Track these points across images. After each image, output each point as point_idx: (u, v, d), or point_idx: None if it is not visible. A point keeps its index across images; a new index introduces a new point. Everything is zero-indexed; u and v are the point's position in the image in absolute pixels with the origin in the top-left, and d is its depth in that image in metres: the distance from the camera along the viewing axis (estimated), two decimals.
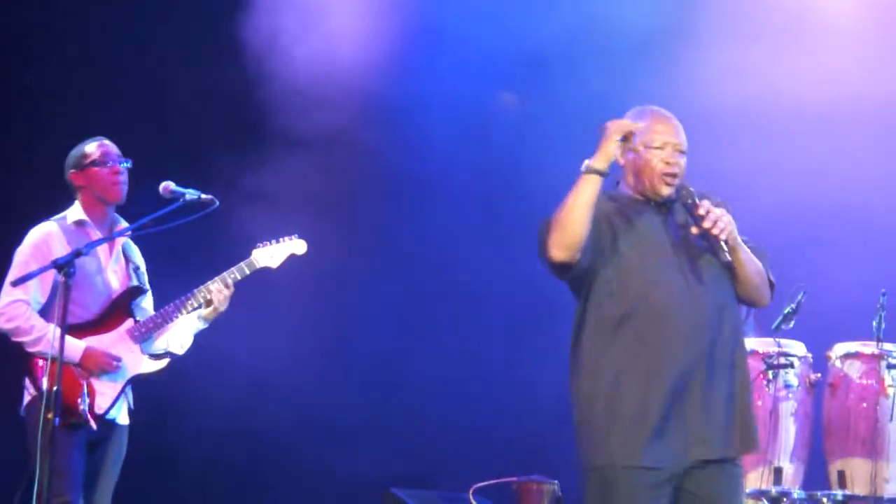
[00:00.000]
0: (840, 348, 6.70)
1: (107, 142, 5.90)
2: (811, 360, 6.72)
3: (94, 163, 5.82)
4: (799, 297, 6.58)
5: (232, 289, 5.82)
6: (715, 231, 4.49)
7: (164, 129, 8.36)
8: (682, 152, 4.63)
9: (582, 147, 4.63)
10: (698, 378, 4.45)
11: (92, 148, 5.86)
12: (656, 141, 4.61)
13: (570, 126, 8.04)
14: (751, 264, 4.60)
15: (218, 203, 5.66)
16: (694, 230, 4.54)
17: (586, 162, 4.49)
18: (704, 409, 4.44)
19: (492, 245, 8.57)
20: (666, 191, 4.60)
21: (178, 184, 5.71)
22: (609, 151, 4.51)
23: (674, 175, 4.59)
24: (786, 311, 6.61)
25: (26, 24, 8.49)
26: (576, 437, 4.61)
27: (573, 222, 4.43)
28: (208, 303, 5.79)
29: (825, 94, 7.74)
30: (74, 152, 5.89)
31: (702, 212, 4.51)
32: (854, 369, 6.63)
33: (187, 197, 5.66)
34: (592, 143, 4.58)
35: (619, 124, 4.55)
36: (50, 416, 5.18)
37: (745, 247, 4.59)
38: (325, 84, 8.35)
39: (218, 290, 5.78)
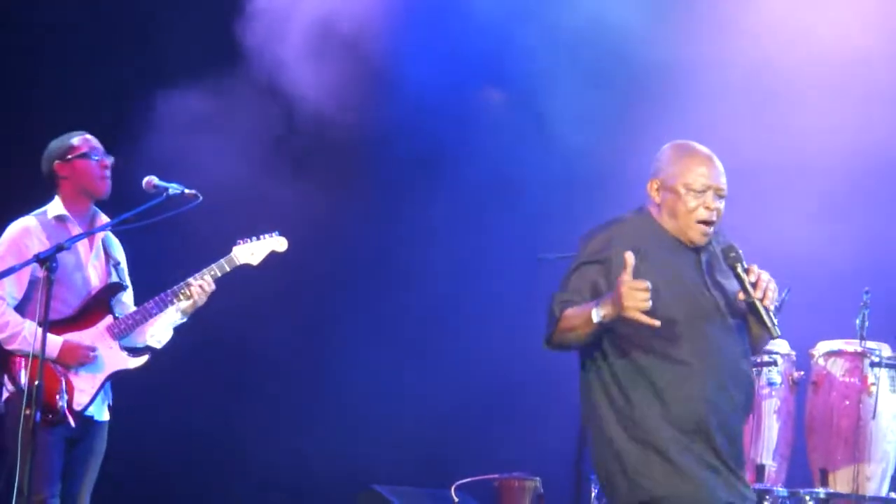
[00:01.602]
0: (823, 346, 6.70)
1: (90, 136, 5.86)
2: (794, 357, 6.73)
3: (82, 155, 5.78)
4: (783, 294, 6.56)
5: (212, 286, 5.78)
6: (766, 302, 4.42)
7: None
8: (722, 196, 4.50)
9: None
10: (718, 427, 4.43)
11: (78, 140, 5.82)
12: (697, 184, 4.45)
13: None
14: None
15: (201, 198, 5.63)
16: (741, 296, 4.44)
17: (598, 312, 4.28)
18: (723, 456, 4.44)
19: (478, 243, 8.57)
20: (702, 241, 4.49)
21: (160, 178, 5.67)
22: (616, 313, 4.26)
23: (712, 223, 4.47)
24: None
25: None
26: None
27: (569, 342, 4.42)
28: (187, 296, 5.75)
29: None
30: (58, 144, 5.83)
31: (753, 279, 4.43)
32: (837, 367, 6.64)
33: (170, 191, 5.61)
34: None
35: (633, 296, 4.24)
36: (29, 412, 5.15)
37: None
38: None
39: (198, 287, 5.75)
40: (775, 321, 4.43)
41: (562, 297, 4.44)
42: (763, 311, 4.41)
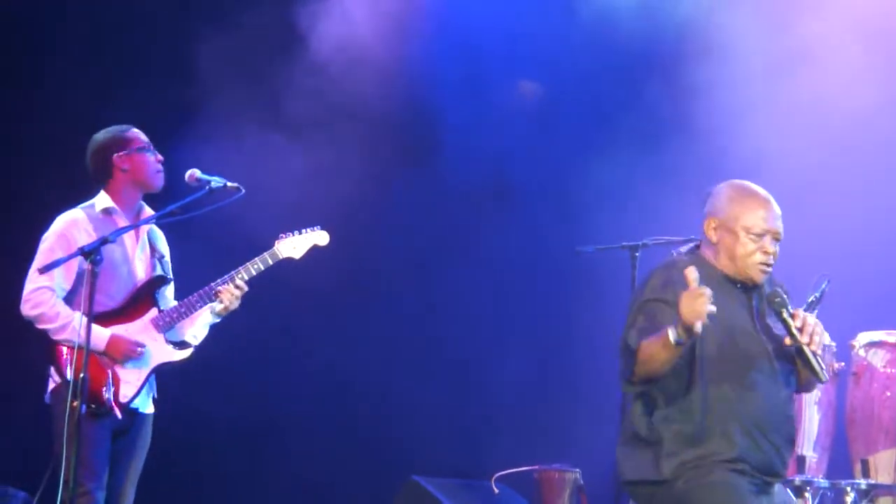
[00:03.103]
0: (864, 337, 6.68)
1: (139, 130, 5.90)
2: (835, 349, 6.69)
3: (142, 149, 5.80)
4: (823, 285, 6.55)
5: (245, 288, 5.79)
6: (813, 347, 4.44)
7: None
8: (778, 240, 4.55)
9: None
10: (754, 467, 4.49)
11: (134, 134, 5.84)
12: (757, 227, 4.50)
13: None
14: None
15: (244, 191, 5.66)
16: (787, 341, 4.47)
17: (674, 332, 4.29)
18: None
19: (515, 235, 8.59)
20: (761, 278, 4.52)
21: (203, 171, 5.71)
22: (689, 333, 4.29)
23: (770, 265, 4.52)
24: (809, 300, 6.59)
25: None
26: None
27: (654, 371, 4.38)
28: (220, 299, 5.76)
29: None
30: (113, 136, 5.82)
31: (799, 323, 4.45)
32: (878, 358, 6.62)
33: (213, 185, 5.64)
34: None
35: (691, 303, 4.28)
36: (75, 404, 5.19)
37: None
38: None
39: (234, 287, 5.75)
40: (823, 366, 4.46)
41: (632, 333, 4.46)
42: (811, 356, 4.44)
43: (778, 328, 4.53)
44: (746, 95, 7.85)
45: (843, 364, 6.69)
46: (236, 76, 8.33)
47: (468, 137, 8.56)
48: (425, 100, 8.60)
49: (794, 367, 4.57)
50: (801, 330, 4.43)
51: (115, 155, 5.78)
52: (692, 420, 4.42)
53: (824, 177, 7.59)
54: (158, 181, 5.82)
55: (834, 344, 6.70)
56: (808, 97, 7.70)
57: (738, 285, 4.54)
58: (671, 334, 4.27)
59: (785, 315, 4.45)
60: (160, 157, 5.84)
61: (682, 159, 7.88)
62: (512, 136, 8.64)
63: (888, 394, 6.56)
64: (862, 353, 6.65)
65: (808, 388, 4.74)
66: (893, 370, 6.56)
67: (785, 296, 4.50)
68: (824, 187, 7.62)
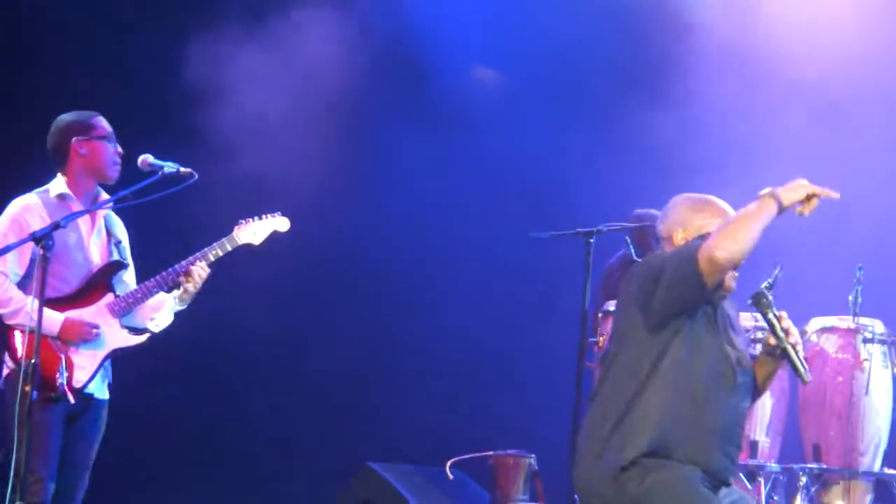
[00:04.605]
0: (816, 322, 6.74)
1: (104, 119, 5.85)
2: None
3: (102, 137, 5.76)
4: (775, 271, 6.58)
5: (206, 271, 5.76)
6: (798, 348, 4.50)
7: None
8: None
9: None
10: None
11: (100, 121, 5.79)
12: None
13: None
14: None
15: (197, 176, 5.62)
16: (771, 340, 4.52)
17: (774, 191, 4.38)
18: None
19: (475, 221, 8.59)
20: (733, 287, 4.56)
21: (156, 156, 5.67)
22: (797, 193, 4.41)
23: (739, 267, 4.54)
24: (762, 287, 6.63)
25: None
26: None
27: (746, 239, 4.33)
28: (179, 285, 5.73)
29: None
30: (78, 118, 5.78)
31: (785, 325, 4.51)
32: (830, 343, 6.68)
33: (166, 170, 5.59)
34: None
35: (810, 186, 4.44)
36: (27, 389, 5.15)
37: None
38: None
39: (196, 270, 5.72)
40: (806, 367, 4.52)
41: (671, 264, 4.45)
42: (795, 357, 4.48)
43: (741, 340, 4.58)
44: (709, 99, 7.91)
45: None
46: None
47: (425, 124, 8.56)
48: (383, 85, 8.60)
49: (753, 378, 4.62)
50: (787, 332, 4.47)
51: (75, 139, 5.74)
52: (651, 424, 4.42)
53: (775, 161, 7.64)
54: (114, 173, 5.78)
55: None
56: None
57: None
58: (786, 197, 4.37)
59: (771, 315, 4.50)
60: (120, 150, 5.79)
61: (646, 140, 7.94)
62: (469, 122, 8.65)
63: (840, 379, 6.61)
64: (814, 338, 6.70)
65: (760, 395, 4.78)
66: (845, 355, 6.62)
67: (770, 298, 4.53)
68: (774, 171, 7.67)
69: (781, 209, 4.38)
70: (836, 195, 4.44)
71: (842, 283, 6.72)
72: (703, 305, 4.45)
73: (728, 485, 4.55)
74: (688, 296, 4.40)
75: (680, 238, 4.61)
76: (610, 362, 4.57)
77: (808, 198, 4.42)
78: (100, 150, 5.75)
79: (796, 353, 4.49)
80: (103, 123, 5.80)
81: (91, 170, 5.74)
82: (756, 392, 4.70)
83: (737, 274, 4.55)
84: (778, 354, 4.55)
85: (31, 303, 5.44)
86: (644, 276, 4.50)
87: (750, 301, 4.58)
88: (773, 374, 4.69)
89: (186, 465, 8.54)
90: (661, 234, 4.72)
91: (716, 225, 4.54)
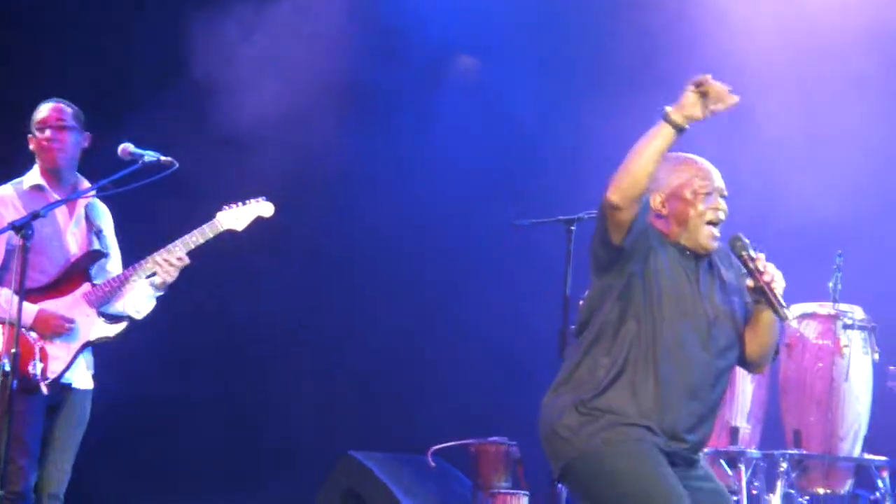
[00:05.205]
0: (797, 309, 6.74)
1: (52, 103, 5.80)
2: None
3: (38, 128, 5.75)
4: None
5: (186, 260, 5.73)
6: (774, 286, 4.44)
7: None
8: (724, 197, 4.56)
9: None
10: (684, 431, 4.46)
11: (38, 113, 5.78)
12: (705, 187, 4.50)
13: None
14: (776, 326, 4.58)
15: (178, 165, 5.60)
16: (749, 283, 4.47)
17: (666, 108, 4.28)
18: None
19: (455, 210, 8.59)
20: (712, 245, 4.52)
21: (137, 145, 5.64)
22: (687, 104, 4.25)
23: (720, 223, 4.52)
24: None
25: None
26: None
27: (637, 170, 4.25)
28: (155, 274, 5.70)
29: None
30: (34, 114, 5.80)
31: (760, 266, 4.46)
32: (810, 329, 6.69)
33: (146, 159, 5.56)
34: None
35: (701, 78, 4.26)
36: (7, 379, 5.14)
37: None
38: None
39: (172, 259, 5.68)
40: (785, 305, 4.45)
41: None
42: (772, 295, 4.44)
43: (725, 297, 4.54)
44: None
45: None
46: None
47: (406, 111, 8.56)
48: (362, 73, 8.59)
49: (738, 341, 4.58)
50: (762, 271, 4.46)
51: (30, 133, 5.77)
52: (605, 375, 4.41)
53: (753, 145, 7.68)
54: (47, 160, 5.73)
55: None
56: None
57: (688, 253, 4.56)
58: (676, 115, 4.24)
59: (746, 257, 4.49)
60: (50, 134, 5.72)
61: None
62: (447, 110, 8.64)
63: (820, 365, 6.63)
64: (795, 324, 6.71)
65: (759, 364, 4.68)
66: (825, 341, 6.64)
67: (746, 240, 4.53)
68: (753, 154, 7.71)
69: (680, 129, 4.26)
70: (733, 97, 4.27)
71: (822, 269, 6.74)
72: (624, 258, 4.39)
73: (689, 445, 4.45)
74: (600, 252, 4.40)
75: (658, 202, 4.55)
76: (584, 319, 4.54)
77: (704, 95, 4.26)
78: (38, 141, 5.75)
79: (773, 291, 4.44)
80: (41, 113, 5.77)
81: (41, 161, 5.75)
82: (749, 363, 4.63)
83: (717, 233, 4.52)
84: (756, 295, 4.50)
85: (6, 294, 5.46)
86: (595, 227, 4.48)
87: (728, 245, 4.55)
88: (771, 326, 4.56)
89: (164, 456, 8.53)
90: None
91: (697, 185, 4.51)
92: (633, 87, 7.93)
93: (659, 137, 4.28)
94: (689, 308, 4.47)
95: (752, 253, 4.49)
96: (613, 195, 4.26)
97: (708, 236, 4.52)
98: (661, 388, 4.39)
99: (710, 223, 4.52)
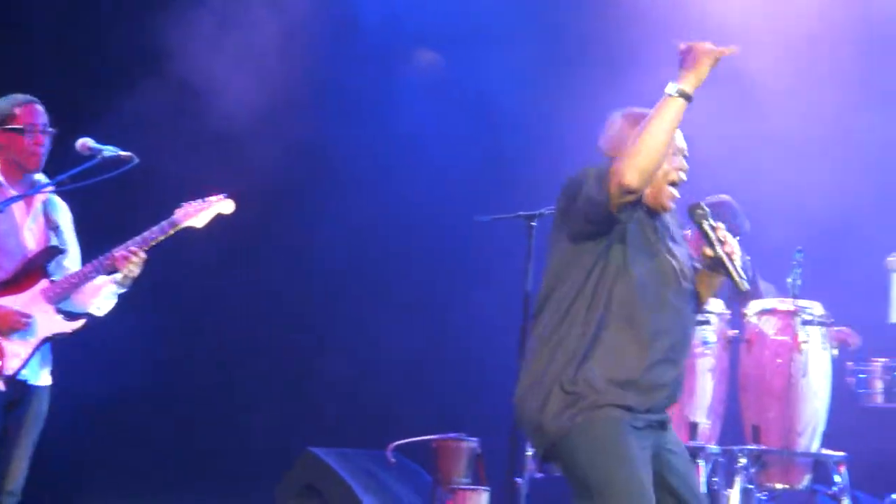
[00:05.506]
0: (756, 305, 6.78)
1: (37, 105, 5.74)
2: (728, 316, 6.79)
3: (19, 130, 5.66)
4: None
5: (144, 256, 5.68)
6: (735, 258, 4.45)
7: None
8: (686, 157, 4.52)
9: None
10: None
11: (21, 111, 5.69)
12: (671, 147, 4.39)
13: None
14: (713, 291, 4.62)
15: (137, 160, 5.56)
16: (708, 252, 4.47)
17: (674, 85, 4.23)
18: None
19: (416, 206, 8.59)
20: (670, 205, 4.50)
21: (100, 141, 5.60)
22: (702, 76, 4.23)
23: (681, 182, 4.48)
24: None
25: None
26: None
27: (654, 148, 4.19)
28: (116, 269, 5.67)
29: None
30: (5, 106, 5.70)
31: (721, 235, 4.47)
32: (769, 326, 6.71)
33: (105, 154, 5.53)
34: None
35: (712, 49, 4.22)
36: None
37: None
38: None
39: (130, 255, 5.64)
40: (743, 276, 4.47)
41: (592, 173, 4.32)
42: (731, 266, 4.45)
43: (681, 251, 4.54)
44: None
45: (736, 332, 6.78)
46: None
47: (367, 109, 8.55)
48: (324, 71, 8.58)
49: (696, 291, 4.58)
50: (722, 241, 4.47)
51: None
52: (586, 343, 4.37)
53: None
54: (32, 163, 5.68)
55: (728, 312, 6.80)
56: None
57: (646, 210, 4.55)
58: (670, 88, 4.21)
59: (706, 226, 4.49)
60: (40, 139, 5.68)
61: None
62: (410, 106, 8.64)
63: (779, 361, 6.66)
64: (754, 320, 6.74)
65: (702, 307, 4.70)
66: (784, 337, 6.66)
67: (706, 209, 4.53)
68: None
69: (690, 99, 4.24)
70: (733, 49, 4.27)
71: (781, 265, 6.78)
72: (612, 227, 4.35)
73: (667, 392, 4.45)
74: (591, 221, 4.34)
75: None
76: (548, 291, 4.49)
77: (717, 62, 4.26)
78: (15, 141, 5.66)
79: (732, 261, 4.45)
80: (21, 112, 5.69)
81: (12, 160, 5.67)
82: (699, 304, 4.62)
83: (677, 194, 4.50)
84: (714, 264, 4.51)
85: None
86: (566, 190, 4.42)
87: (687, 213, 4.55)
88: (713, 288, 4.60)
89: (123, 451, 8.50)
90: (602, 151, 4.57)
91: None
92: (595, 84, 7.94)
93: (672, 111, 4.24)
94: (662, 264, 4.46)
95: (713, 222, 4.50)
96: (631, 179, 4.19)
97: (668, 196, 4.50)
98: (647, 344, 4.37)
99: (671, 183, 4.49)
